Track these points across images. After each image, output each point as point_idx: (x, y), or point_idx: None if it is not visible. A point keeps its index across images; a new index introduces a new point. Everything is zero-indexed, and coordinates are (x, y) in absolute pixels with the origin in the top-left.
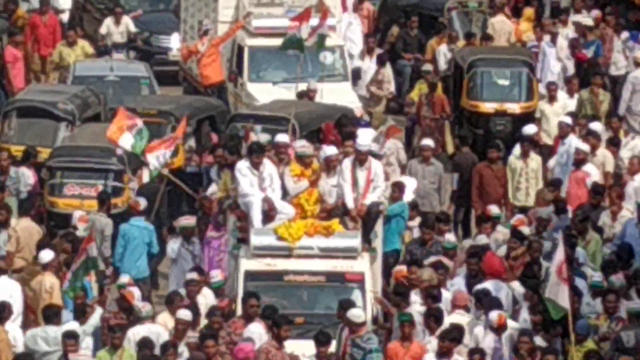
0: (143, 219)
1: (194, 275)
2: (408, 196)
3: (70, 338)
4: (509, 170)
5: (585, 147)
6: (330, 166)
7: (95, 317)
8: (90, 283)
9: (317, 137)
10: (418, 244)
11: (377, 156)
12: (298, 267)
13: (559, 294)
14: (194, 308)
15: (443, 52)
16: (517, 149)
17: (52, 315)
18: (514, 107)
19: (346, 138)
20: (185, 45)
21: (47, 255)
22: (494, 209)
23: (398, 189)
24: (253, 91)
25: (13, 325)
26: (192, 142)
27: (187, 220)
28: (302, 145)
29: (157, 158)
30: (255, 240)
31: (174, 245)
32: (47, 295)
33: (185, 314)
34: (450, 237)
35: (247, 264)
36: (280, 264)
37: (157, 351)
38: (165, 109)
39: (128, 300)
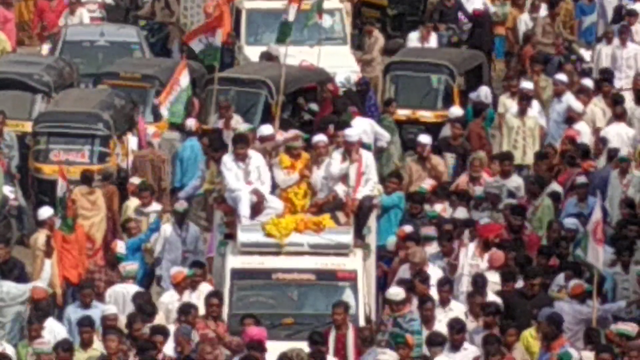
0: (195, 138)
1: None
2: None
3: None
4: (505, 128)
5: (579, 105)
6: (317, 153)
7: (46, 270)
8: None
9: (294, 101)
10: (407, 218)
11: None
12: (287, 265)
13: (598, 256)
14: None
15: (524, 21)
16: (513, 107)
17: (7, 270)
18: (428, 115)
19: (340, 127)
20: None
21: (45, 212)
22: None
23: (395, 179)
24: (250, 54)
25: None
26: None
27: (178, 204)
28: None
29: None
30: (243, 236)
31: (167, 228)
32: (40, 253)
33: (110, 308)
34: (436, 207)
35: (234, 262)
36: (268, 262)
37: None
38: (149, 72)
39: (113, 252)
